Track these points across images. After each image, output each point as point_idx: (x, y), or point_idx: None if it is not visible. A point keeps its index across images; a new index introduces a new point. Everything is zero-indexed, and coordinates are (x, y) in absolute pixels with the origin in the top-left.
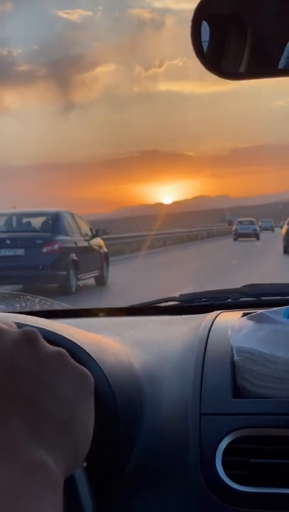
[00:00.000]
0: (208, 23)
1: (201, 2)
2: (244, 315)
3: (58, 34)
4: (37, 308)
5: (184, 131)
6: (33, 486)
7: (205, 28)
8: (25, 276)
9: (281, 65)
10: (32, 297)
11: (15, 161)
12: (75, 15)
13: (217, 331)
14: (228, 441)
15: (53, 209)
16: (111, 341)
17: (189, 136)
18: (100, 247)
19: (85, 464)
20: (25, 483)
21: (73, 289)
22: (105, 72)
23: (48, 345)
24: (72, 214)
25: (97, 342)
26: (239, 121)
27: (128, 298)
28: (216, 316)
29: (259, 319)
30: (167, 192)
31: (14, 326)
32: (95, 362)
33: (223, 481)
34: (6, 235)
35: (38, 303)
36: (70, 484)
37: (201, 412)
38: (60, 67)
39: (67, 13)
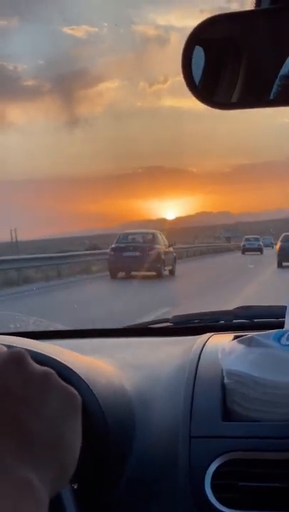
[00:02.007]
0: (201, 50)
1: (193, 30)
2: (235, 338)
3: (63, 50)
4: (31, 328)
5: (188, 147)
6: (19, 504)
7: (197, 56)
8: (139, 267)
9: (273, 95)
10: (26, 318)
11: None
12: (80, 31)
13: (208, 354)
14: (217, 464)
15: (151, 230)
16: (102, 363)
17: (192, 152)
18: (172, 252)
19: (75, 486)
20: (10, 501)
21: (163, 275)
22: (110, 88)
23: (35, 365)
24: (160, 233)
25: (88, 363)
26: (242, 138)
27: (184, 280)
28: (208, 339)
29: (249, 342)
30: (170, 207)
31: (4, 348)
32: (85, 383)
33: (212, 503)
34: (128, 245)
35: (33, 323)
36: (56, 503)
37: (191, 435)
38: (65, 83)
39: (72, 29)
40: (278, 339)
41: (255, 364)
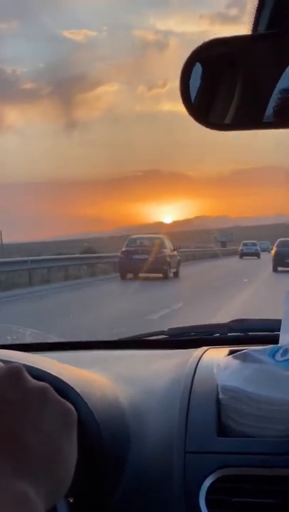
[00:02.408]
0: (200, 69)
1: (194, 50)
2: (231, 352)
3: (63, 53)
4: (28, 340)
5: (186, 151)
6: None
7: (196, 75)
8: (147, 269)
9: (266, 118)
10: (23, 330)
11: (17, 178)
12: (79, 35)
13: (203, 369)
14: (212, 480)
15: (157, 235)
16: (97, 376)
17: (191, 156)
18: (177, 255)
19: (71, 500)
20: None
21: (169, 277)
22: (109, 92)
23: (32, 380)
24: (166, 238)
25: (84, 377)
26: (241, 143)
27: (188, 281)
28: (203, 353)
29: (244, 358)
30: (168, 211)
31: (0, 363)
32: (80, 396)
33: None
34: (137, 248)
35: (29, 335)
36: None
37: (186, 450)
38: (64, 86)
39: (72, 33)
40: (273, 355)
41: (250, 380)
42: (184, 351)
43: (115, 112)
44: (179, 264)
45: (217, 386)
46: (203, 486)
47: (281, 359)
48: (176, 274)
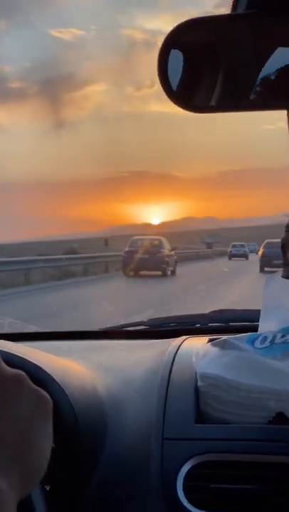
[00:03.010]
0: (178, 53)
1: (169, 33)
2: (210, 341)
3: (51, 52)
4: (6, 330)
5: (174, 152)
6: None
7: (174, 60)
8: (148, 267)
9: (251, 99)
10: (1, 319)
11: (2, 178)
12: (67, 34)
13: (182, 357)
14: (189, 466)
15: (157, 236)
16: (77, 365)
17: (179, 157)
18: (174, 255)
19: (47, 488)
20: None
21: (167, 275)
22: (97, 92)
23: (6, 367)
24: (165, 239)
25: (62, 365)
26: (229, 144)
27: (184, 278)
28: (182, 342)
29: (223, 345)
30: (155, 212)
31: None
32: (57, 384)
33: (184, 505)
34: (138, 248)
35: (8, 325)
36: (26, 505)
37: (164, 437)
38: (52, 85)
39: (60, 31)
40: (252, 342)
41: (229, 367)
42: (164, 341)
43: (103, 111)
44: (176, 263)
45: (196, 374)
46: (180, 473)
47: (260, 346)
48: (173, 272)
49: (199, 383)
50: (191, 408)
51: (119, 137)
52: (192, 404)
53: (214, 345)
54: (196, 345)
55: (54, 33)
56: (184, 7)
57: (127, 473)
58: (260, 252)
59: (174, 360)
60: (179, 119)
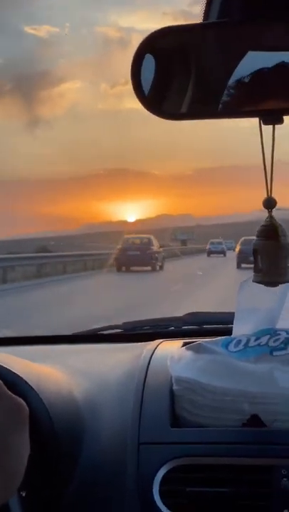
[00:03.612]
0: (151, 59)
1: (144, 40)
2: (184, 344)
3: (25, 49)
4: None
5: (150, 149)
6: None
7: (147, 66)
8: (139, 263)
9: (221, 107)
10: None
11: None
12: (42, 31)
13: (157, 361)
14: (165, 470)
15: (147, 235)
16: (52, 370)
17: (155, 155)
18: (161, 252)
19: (23, 494)
20: None
21: (156, 269)
22: (71, 89)
23: None
24: (153, 237)
25: (38, 371)
26: (205, 142)
27: (171, 273)
28: (157, 345)
29: (197, 349)
30: (132, 210)
31: None
32: (34, 391)
33: (160, 509)
34: (130, 246)
35: None
36: None
37: (140, 441)
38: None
39: (34, 28)
40: (226, 346)
41: (204, 371)
42: (139, 344)
43: (78, 109)
44: (163, 259)
45: (171, 378)
46: (156, 477)
47: (234, 350)
48: (161, 267)
49: (174, 387)
50: (166, 412)
51: (94, 135)
52: (168, 408)
53: (189, 348)
54: (170, 348)
55: (28, 29)
56: (158, 5)
57: (105, 477)
58: (237, 249)
59: (149, 363)
60: (155, 116)
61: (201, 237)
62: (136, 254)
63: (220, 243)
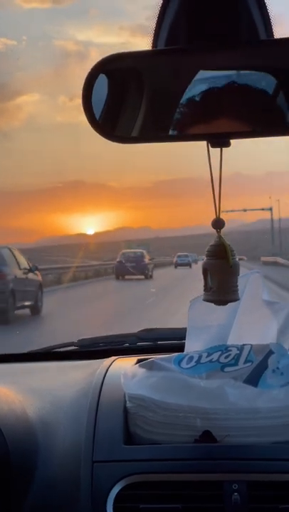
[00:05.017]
0: (103, 84)
1: (95, 65)
2: (138, 361)
3: None
4: None
5: (108, 162)
6: None
7: (99, 91)
8: (134, 272)
9: (171, 130)
10: None
11: None
12: None
13: (111, 378)
14: (119, 488)
15: (140, 249)
16: (5, 389)
17: (113, 167)
18: (152, 263)
19: None
20: None
21: (148, 277)
22: (29, 102)
23: None
24: (146, 251)
25: None
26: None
27: (159, 280)
28: (112, 363)
29: (150, 366)
30: (90, 222)
31: None
32: None
33: None
34: (127, 258)
35: None
36: None
37: (94, 459)
38: None
39: None
40: (178, 362)
41: (156, 387)
42: (94, 361)
43: (36, 122)
44: (153, 269)
45: (124, 395)
46: (110, 494)
47: (186, 366)
48: (151, 276)
49: (128, 404)
50: (120, 429)
51: (52, 147)
52: (121, 425)
53: (142, 366)
54: (124, 365)
55: None
56: (115, 19)
57: (59, 495)
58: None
59: (103, 381)
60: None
61: (159, 249)
62: (132, 265)
63: (186, 256)
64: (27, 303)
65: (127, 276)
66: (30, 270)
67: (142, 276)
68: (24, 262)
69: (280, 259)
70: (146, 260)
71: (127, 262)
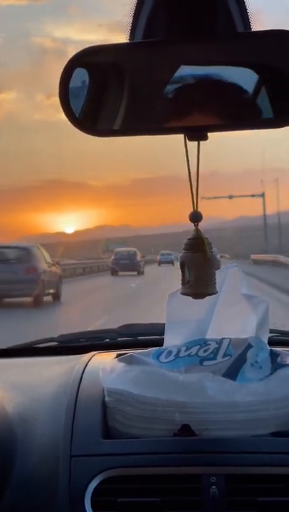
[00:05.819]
0: (81, 77)
1: (72, 58)
2: (118, 356)
3: None
4: None
5: (87, 160)
6: None
7: (77, 83)
8: (128, 269)
9: (150, 123)
10: None
11: None
12: None
13: (90, 373)
14: (97, 482)
15: (133, 248)
16: None
17: (92, 165)
18: (143, 261)
19: None
20: None
21: (140, 273)
22: (6, 100)
23: None
24: (138, 250)
25: None
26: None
27: (150, 274)
28: (91, 358)
29: (129, 361)
30: (69, 221)
31: None
32: None
33: None
34: (121, 256)
35: None
36: None
37: (72, 454)
38: None
39: None
40: (157, 357)
41: (135, 382)
42: (74, 357)
43: (14, 120)
44: (144, 266)
45: (103, 389)
46: (88, 489)
47: (165, 360)
48: (142, 272)
49: (106, 399)
50: (98, 424)
51: (30, 145)
52: (100, 419)
53: (121, 360)
54: (104, 360)
55: None
56: (93, 16)
57: (37, 490)
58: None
59: (82, 376)
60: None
61: (139, 247)
62: (126, 262)
63: (169, 254)
64: (51, 290)
65: (120, 273)
66: (52, 264)
67: (135, 273)
68: (48, 258)
69: (282, 258)
70: (139, 258)
71: (122, 260)
